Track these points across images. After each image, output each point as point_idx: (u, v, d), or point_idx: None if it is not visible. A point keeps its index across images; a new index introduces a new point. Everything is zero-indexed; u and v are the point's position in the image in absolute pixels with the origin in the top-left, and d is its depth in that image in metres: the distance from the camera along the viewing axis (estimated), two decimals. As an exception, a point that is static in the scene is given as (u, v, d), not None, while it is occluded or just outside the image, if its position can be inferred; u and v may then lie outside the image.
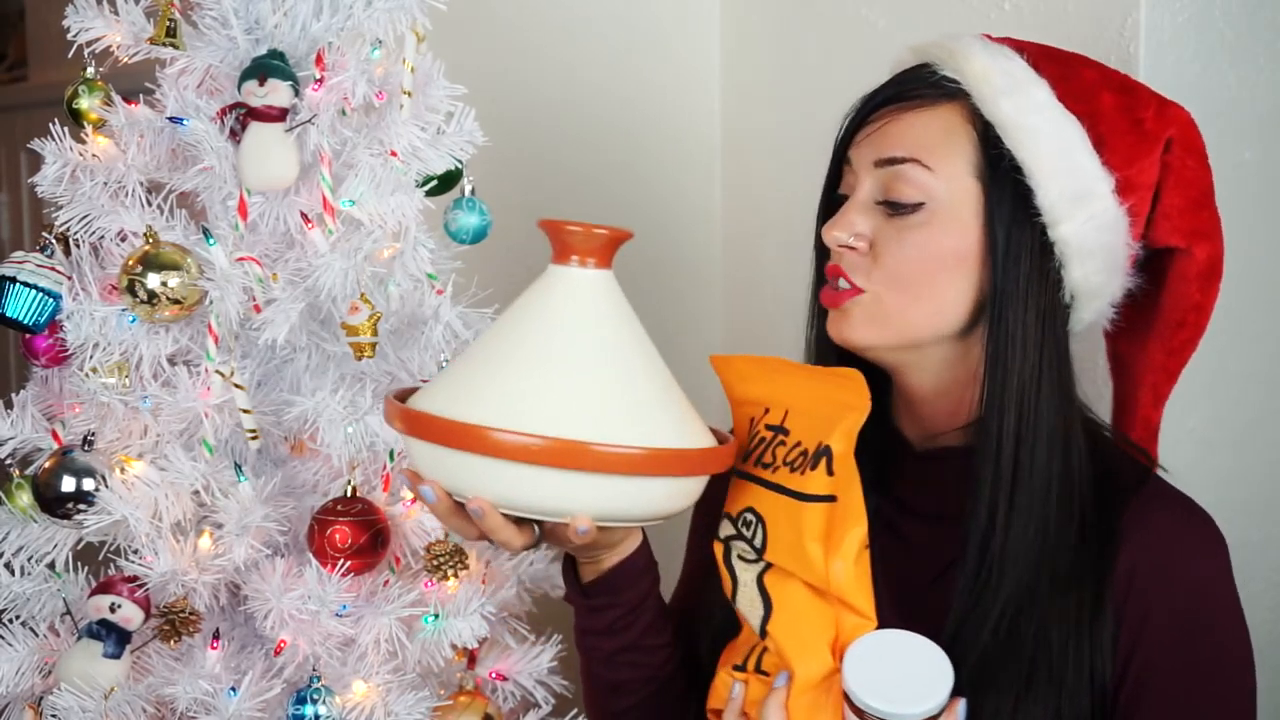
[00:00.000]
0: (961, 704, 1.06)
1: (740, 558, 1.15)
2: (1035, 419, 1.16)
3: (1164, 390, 1.29)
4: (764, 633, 1.12)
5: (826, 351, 1.27)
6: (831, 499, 1.08)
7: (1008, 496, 1.15)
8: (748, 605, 1.13)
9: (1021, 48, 1.22)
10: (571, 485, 1.03)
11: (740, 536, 1.15)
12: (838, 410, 1.10)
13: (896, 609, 1.14)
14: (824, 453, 1.09)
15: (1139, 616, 1.13)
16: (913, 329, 1.20)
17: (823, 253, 1.26)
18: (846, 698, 1.05)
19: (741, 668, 1.15)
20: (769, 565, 1.12)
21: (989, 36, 1.24)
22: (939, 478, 1.23)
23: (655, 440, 1.05)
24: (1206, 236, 1.23)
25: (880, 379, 1.26)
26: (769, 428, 1.15)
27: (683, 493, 1.09)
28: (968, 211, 1.18)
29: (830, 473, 1.08)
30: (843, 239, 1.20)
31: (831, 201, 1.26)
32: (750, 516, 1.14)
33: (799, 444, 1.11)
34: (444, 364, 1.38)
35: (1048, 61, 1.21)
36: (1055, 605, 1.14)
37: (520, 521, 1.08)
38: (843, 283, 1.20)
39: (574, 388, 1.05)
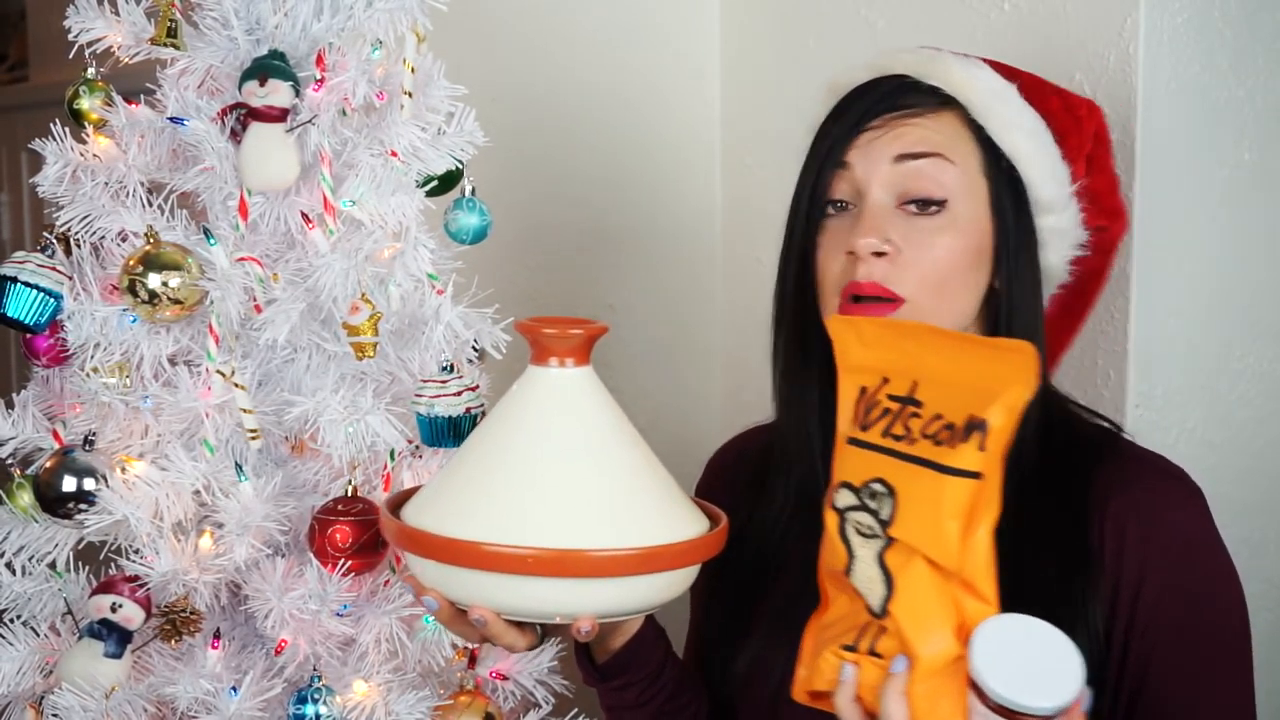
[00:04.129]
0: (1088, 694, 0.98)
1: (858, 531, 1.06)
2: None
3: (1058, 354, 1.38)
4: (885, 612, 1.03)
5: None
6: (978, 475, 1.00)
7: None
8: (865, 583, 1.04)
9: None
10: (569, 591, 1.04)
11: (863, 508, 1.06)
12: (995, 383, 1.01)
13: None
14: (976, 426, 1.01)
15: (1135, 577, 1.14)
16: None
17: (803, 264, 1.24)
18: (972, 684, 0.98)
19: (852, 648, 1.04)
20: (890, 541, 1.03)
21: (932, 49, 1.28)
22: None
23: (647, 538, 1.06)
24: (1120, 214, 1.34)
25: None
26: (893, 398, 1.07)
27: (678, 581, 1.10)
28: (981, 208, 1.21)
29: (982, 448, 1.00)
30: (877, 245, 1.18)
31: (817, 209, 1.23)
32: (879, 488, 1.05)
33: (939, 416, 1.03)
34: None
35: (998, 69, 1.26)
36: (1038, 570, 1.14)
37: (522, 624, 1.10)
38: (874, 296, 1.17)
39: (563, 494, 1.06)
